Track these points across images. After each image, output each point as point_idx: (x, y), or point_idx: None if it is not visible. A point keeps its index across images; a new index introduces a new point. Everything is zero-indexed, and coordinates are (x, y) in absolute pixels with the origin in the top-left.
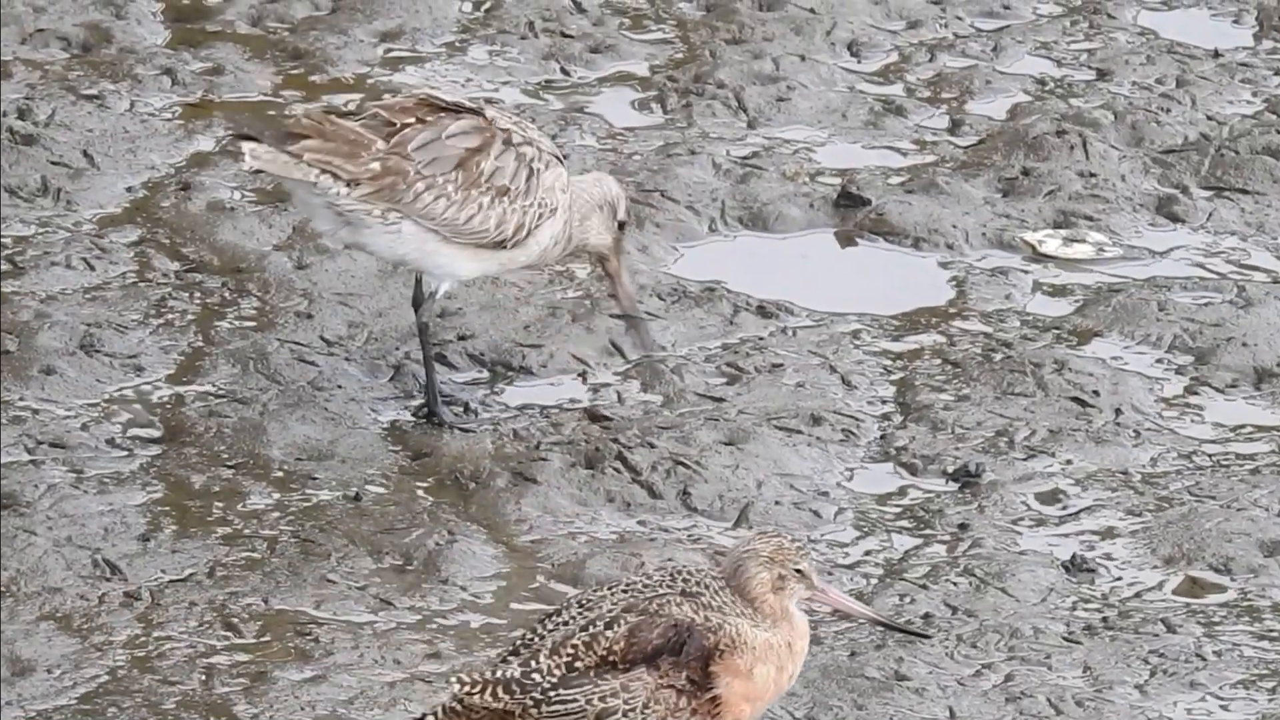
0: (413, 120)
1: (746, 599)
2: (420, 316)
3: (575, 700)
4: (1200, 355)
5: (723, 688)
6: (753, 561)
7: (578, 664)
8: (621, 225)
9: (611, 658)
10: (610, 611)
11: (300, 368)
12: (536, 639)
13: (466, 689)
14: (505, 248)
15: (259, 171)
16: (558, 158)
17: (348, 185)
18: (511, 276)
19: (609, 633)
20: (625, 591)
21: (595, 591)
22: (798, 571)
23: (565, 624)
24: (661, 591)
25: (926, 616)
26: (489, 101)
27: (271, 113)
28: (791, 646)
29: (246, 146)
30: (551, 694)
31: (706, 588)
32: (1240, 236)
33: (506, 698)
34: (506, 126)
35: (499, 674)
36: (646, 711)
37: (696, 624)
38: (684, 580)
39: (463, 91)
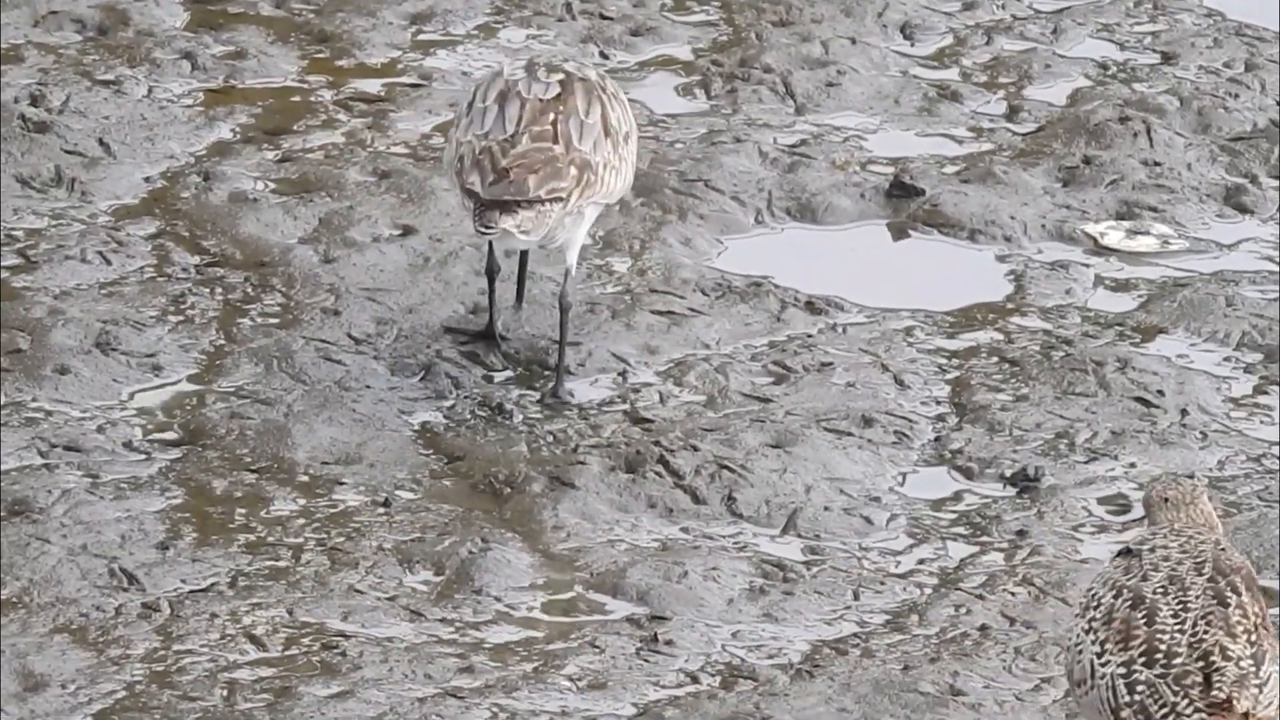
0: (554, 115)
1: (1212, 529)
2: (564, 298)
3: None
4: (1270, 353)
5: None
6: (1203, 495)
7: (1255, 640)
8: None
9: (1259, 621)
10: (1209, 585)
11: (327, 367)
12: (1164, 637)
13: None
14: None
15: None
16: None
17: (564, 201)
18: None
19: (1245, 598)
20: (1177, 562)
21: (1158, 578)
22: None
23: (1186, 609)
24: (1203, 547)
25: (983, 629)
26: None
27: (296, 99)
28: None
29: (513, 226)
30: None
31: (1200, 528)
32: None
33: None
34: (592, 77)
35: (1243, 680)
36: None
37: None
38: (1181, 535)
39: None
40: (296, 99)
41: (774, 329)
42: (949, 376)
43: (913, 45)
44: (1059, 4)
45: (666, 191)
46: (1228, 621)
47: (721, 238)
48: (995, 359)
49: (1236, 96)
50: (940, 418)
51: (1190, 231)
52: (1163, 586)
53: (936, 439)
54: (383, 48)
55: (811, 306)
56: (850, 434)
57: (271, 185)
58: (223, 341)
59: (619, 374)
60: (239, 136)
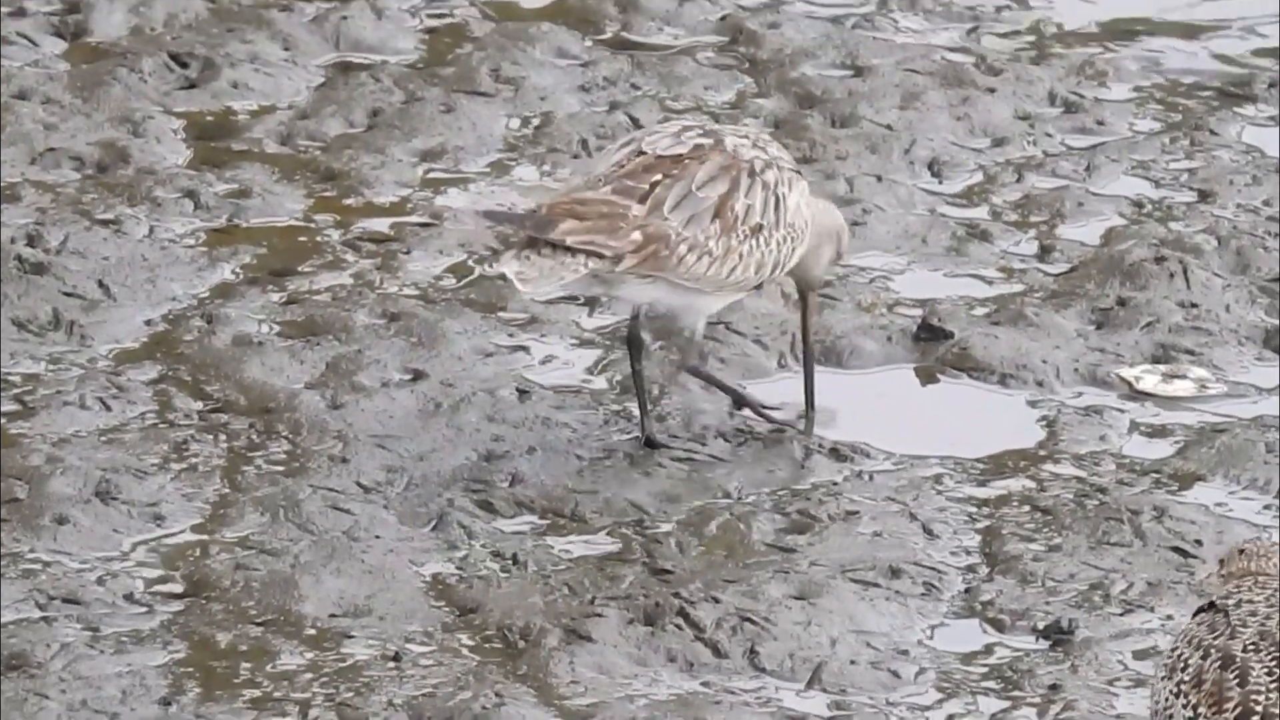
0: (660, 176)
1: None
2: (687, 361)
3: None
4: None
5: None
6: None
7: None
8: (838, 257)
9: None
10: None
11: (334, 516)
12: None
13: None
14: (760, 288)
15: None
16: (797, 172)
17: (613, 261)
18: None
19: None
20: (1265, 617)
21: (1248, 635)
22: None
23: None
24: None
25: None
26: (724, 146)
27: (302, 239)
28: None
29: (512, 271)
30: None
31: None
32: None
33: None
34: (750, 156)
35: None
36: None
37: None
38: (1265, 588)
39: (690, 129)
40: (303, 239)
41: (798, 477)
42: (979, 525)
43: (941, 183)
44: (1092, 140)
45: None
46: None
47: (744, 382)
48: (1027, 507)
49: (1276, 235)
50: (970, 568)
51: (1229, 375)
52: (1254, 644)
53: (966, 590)
54: (392, 185)
55: (836, 453)
56: (877, 585)
57: (277, 328)
58: (227, 490)
59: (637, 523)
60: (243, 277)
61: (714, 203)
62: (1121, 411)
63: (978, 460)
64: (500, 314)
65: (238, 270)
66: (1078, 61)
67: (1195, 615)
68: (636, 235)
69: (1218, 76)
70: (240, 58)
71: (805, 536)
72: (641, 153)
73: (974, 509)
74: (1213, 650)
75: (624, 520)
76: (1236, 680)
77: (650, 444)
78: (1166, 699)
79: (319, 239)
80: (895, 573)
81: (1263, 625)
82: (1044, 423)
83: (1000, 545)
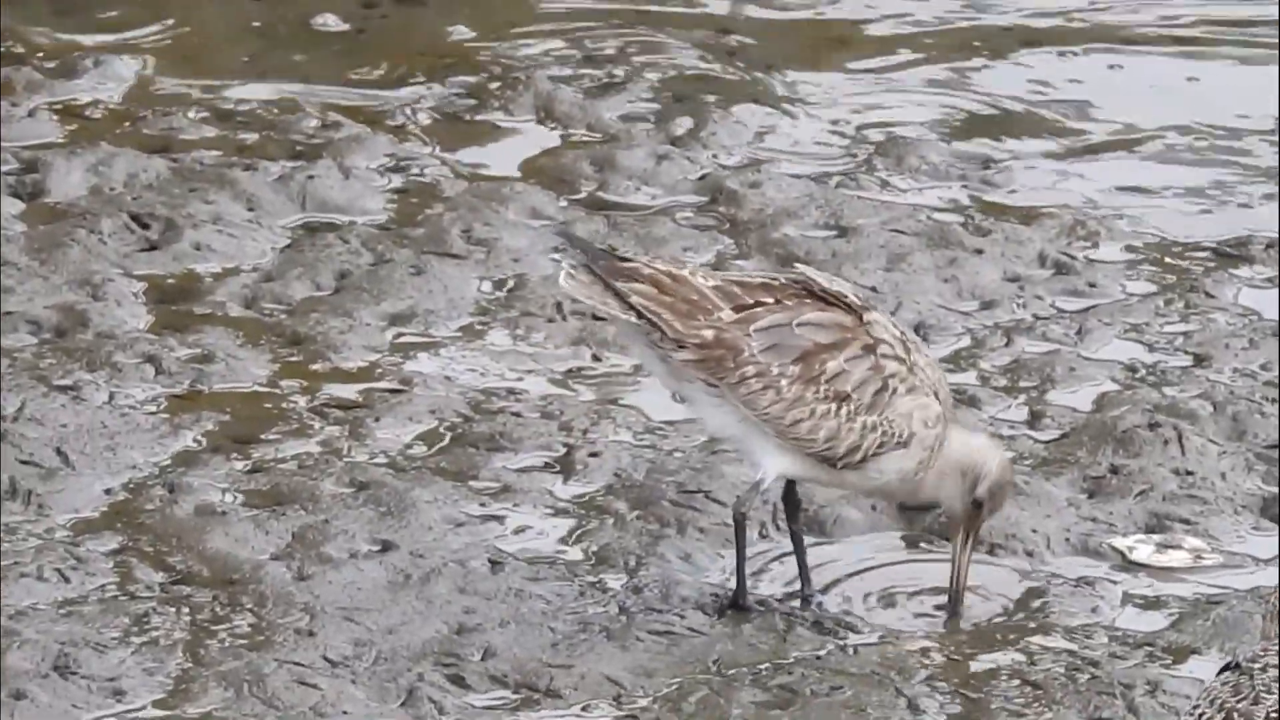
0: (772, 300)
1: None
2: (738, 506)
3: None
4: None
5: None
6: None
7: None
8: (977, 504)
9: None
10: None
11: (301, 691)
12: None
13: None
14: (834, 466)
15: (573, 299)
16: (935, 396)
17: (674, 345)
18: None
19: None
20: None
21: (1271, 701)
22: None
23: None
24: None
25: None
26: (863, 316)
27: (267, 405)
28: None
29: (565, 266)
30: None
31: None
32: None
33: None
34: (880, 336)
35: None
36: None
37: None
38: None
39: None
40: (268, 405)
41: (780, 650)
42: (967, 700)
43: (928, 347)
44: (1083, 302)
45: (664, 504)
46: None
47: (723, 552)
48: (1017, 681)
49: (1273, 401)
50: None
51: (1224, 545)
52: (1278, 711)
53: None
54: (360, 350)
55: (819, 626)
56: None
57: (241, 497)
58: (189, 664)
59: (613, 698)
60: (206, 445)
61: (806, 346)
62: (1114, 583)
63: (965, 632)
64: (472, 483)
65: (200, 438)
66: (1069, 221)
67: (1219, 674)
68: (708, 333)
69: (1213, 238)
70: (203, 218)
71: (787, 712)
72: (786, 275)
73: (961, 682)
74: (1235, 714)
75: (600, 695)
76: None
77: (742, 608)
78: None
79: (285, 405)
80: None
81: None
82: (1033, 594)
83: None
